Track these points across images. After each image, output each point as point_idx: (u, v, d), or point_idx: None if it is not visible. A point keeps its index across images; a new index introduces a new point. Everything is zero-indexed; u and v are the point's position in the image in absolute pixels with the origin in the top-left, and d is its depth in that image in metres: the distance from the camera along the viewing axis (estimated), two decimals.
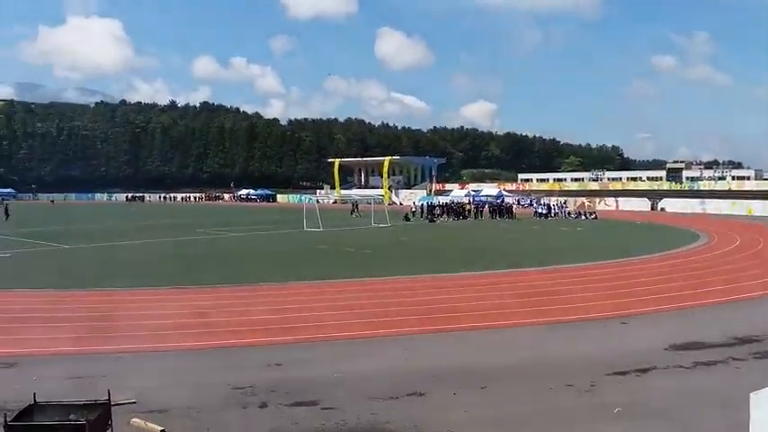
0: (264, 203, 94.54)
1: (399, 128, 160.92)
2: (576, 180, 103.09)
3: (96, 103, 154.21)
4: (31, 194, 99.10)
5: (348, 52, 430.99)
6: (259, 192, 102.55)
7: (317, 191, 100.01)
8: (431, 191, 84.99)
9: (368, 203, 51.76)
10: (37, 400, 6.63)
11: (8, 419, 6.01)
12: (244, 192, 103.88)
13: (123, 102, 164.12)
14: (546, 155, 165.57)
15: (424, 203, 58.91)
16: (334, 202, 75.65)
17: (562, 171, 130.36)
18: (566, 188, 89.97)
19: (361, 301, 14.90)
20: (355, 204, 57.09)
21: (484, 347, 11.04)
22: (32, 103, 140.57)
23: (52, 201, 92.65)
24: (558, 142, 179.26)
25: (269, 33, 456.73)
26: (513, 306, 14.35)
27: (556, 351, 10.72)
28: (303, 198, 76.94)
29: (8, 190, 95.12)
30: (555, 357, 10.30)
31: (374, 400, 8.20)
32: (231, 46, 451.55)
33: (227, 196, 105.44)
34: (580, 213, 55.48)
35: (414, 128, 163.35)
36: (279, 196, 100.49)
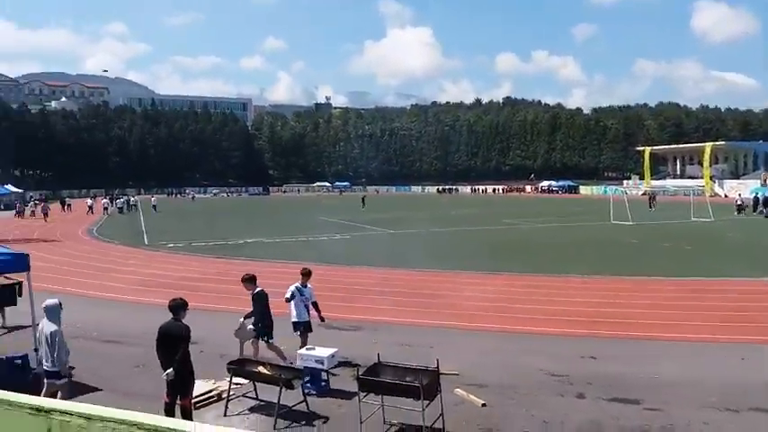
0: (566, 195, 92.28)
1: (723, 109, 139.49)
2: None
3: (411, 106, 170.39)
4: (361, 187, 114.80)
5: (657, 32, 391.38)
6: (561, 183, 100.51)
7: (624, 182, 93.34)
8: (766, 181, 71.87)
9: (685, 194, 46.32)
10: (380, 360, 7.72)
11: (359, 374, 7.13)
12: (545, 183, 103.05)
13: (434, 103, 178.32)
14: None
15: (759, 195, 50.13)
16: (644, 194, 69.59)
17: None
18: None
19: (684, 302, 13.51)
20: (652, 196, 51.60)
21: None
22: (362, 109, 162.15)
23: (377, 191, 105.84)
24: None
25: (570, 22, 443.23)
26: None
27: None
28: (607, 189, 72.62)
29: (345, 183, 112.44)
30: None
31: (706, 408, 7.39)
32: (532, 39, 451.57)
33: (528, 188, 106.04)
34: None
35: (741, 108, 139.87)
36: (582, 188, 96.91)
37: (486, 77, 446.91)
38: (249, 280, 9.43)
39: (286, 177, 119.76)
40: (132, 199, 59.17)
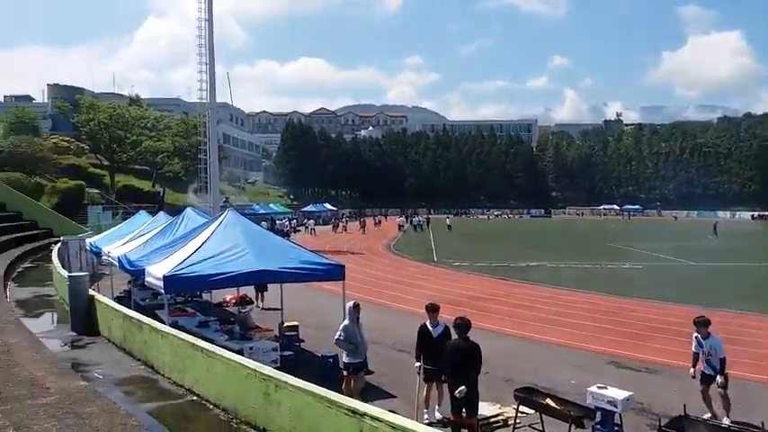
0: None
1: None
2: None
3: (718, 119, 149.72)
4: (655, 210, 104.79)
5: None
6: None
7: None
8: None
9: None
10: (687, 413, 6.81)
11: (662, 425, 6.38)
12: None
13: (747, 115, 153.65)
14: None
15: None
16: None
17: None
18: None
19: None
20: None
21: None
22: (657, 125, 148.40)
23: (674, 217, 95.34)
24: None
25: None
26: None
27: None
28: None
29: (635, 206, 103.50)
30: None
31: None
32: None
33: None
34: None
35: None
36: None
37: None
38: (434, 309, 8.46)
39: (569, 199, 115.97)
40: (422, 218, 63.56)
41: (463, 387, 6.95)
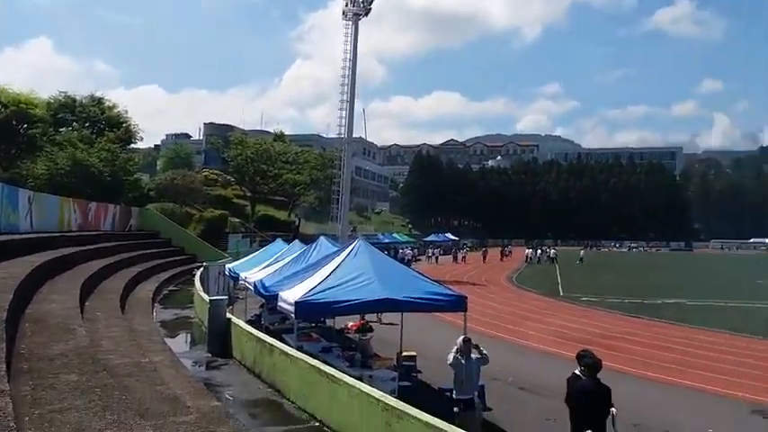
0: None
1: None
2: None
3: None
4: None
5: None
6: None
7: None
8: None
9: None
10: None
11: None
12: None
13: None
14: None
15: None
16: None
17: None
18: None
19: None
20: None
21: None
22: None
23: None
24: None
25: None
26: None
27: None
28: None
29: None
30: None
31: None
32: None
33: None
34: None
35: None
36: None
37: None
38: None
39: (714, 232, 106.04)
40: (552, 251, 60.27)
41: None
